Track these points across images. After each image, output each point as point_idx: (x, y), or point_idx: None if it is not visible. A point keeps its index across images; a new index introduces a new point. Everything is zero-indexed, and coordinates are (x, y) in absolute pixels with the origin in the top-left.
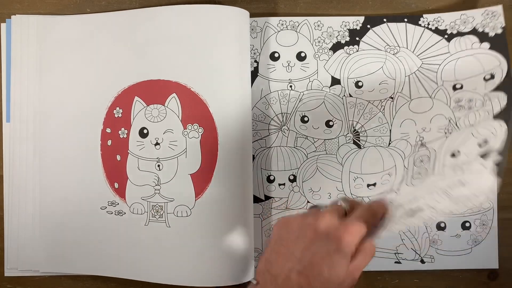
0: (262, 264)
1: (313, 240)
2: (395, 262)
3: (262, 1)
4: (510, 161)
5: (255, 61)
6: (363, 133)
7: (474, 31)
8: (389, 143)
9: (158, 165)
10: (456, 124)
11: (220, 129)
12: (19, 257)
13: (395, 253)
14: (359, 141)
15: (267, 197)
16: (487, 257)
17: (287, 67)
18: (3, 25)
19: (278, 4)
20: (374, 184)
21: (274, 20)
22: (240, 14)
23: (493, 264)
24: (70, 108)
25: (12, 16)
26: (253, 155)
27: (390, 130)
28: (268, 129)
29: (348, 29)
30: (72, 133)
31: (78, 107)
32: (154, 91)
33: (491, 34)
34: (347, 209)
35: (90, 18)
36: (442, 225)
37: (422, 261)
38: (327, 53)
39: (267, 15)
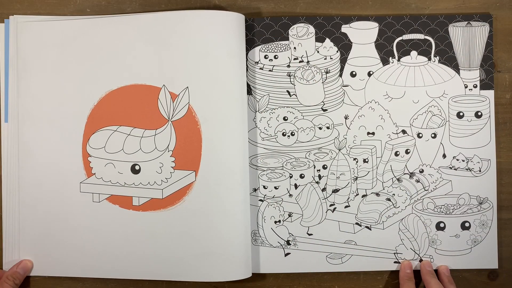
0: None
1: None
2: (394, 262)
3: (262, 1)
4: (509, 162)
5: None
6: None
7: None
8: None
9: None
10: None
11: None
12: (15, 258)
13: (394, 253)
14: None
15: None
16: (487, 257)
17: None
18: (2, 25)
19: (278, 4)
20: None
21: None
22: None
23: (493, 264)
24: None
25: (10, 17)
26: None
27: None
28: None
29: None
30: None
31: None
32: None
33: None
34: None
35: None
36: (442, 225)
37: (421, 261)
38: None
39: (267, 15)
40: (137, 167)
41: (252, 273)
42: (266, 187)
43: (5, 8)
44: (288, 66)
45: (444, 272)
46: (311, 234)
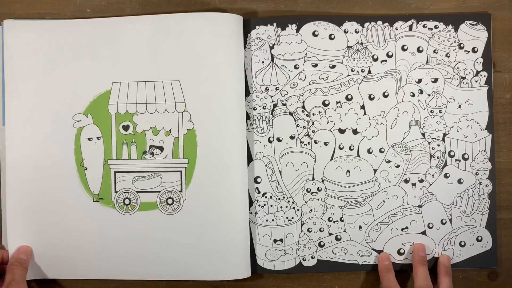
0: None
1: None
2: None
3: (262, 1)
4: (509, 161)
5: None
6: None
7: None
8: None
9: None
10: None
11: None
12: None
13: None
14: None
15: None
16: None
17: None
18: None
19: (278, 4)
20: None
21: None
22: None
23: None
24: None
25: (4, 21)
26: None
27: None
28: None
29: None
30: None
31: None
32: None
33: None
34: None
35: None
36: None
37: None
38: None
39: (266, 15)
40: None
41: (252, 273)
42: None
43: (5, 8)
44: None
45: (444, 262)
46: None
